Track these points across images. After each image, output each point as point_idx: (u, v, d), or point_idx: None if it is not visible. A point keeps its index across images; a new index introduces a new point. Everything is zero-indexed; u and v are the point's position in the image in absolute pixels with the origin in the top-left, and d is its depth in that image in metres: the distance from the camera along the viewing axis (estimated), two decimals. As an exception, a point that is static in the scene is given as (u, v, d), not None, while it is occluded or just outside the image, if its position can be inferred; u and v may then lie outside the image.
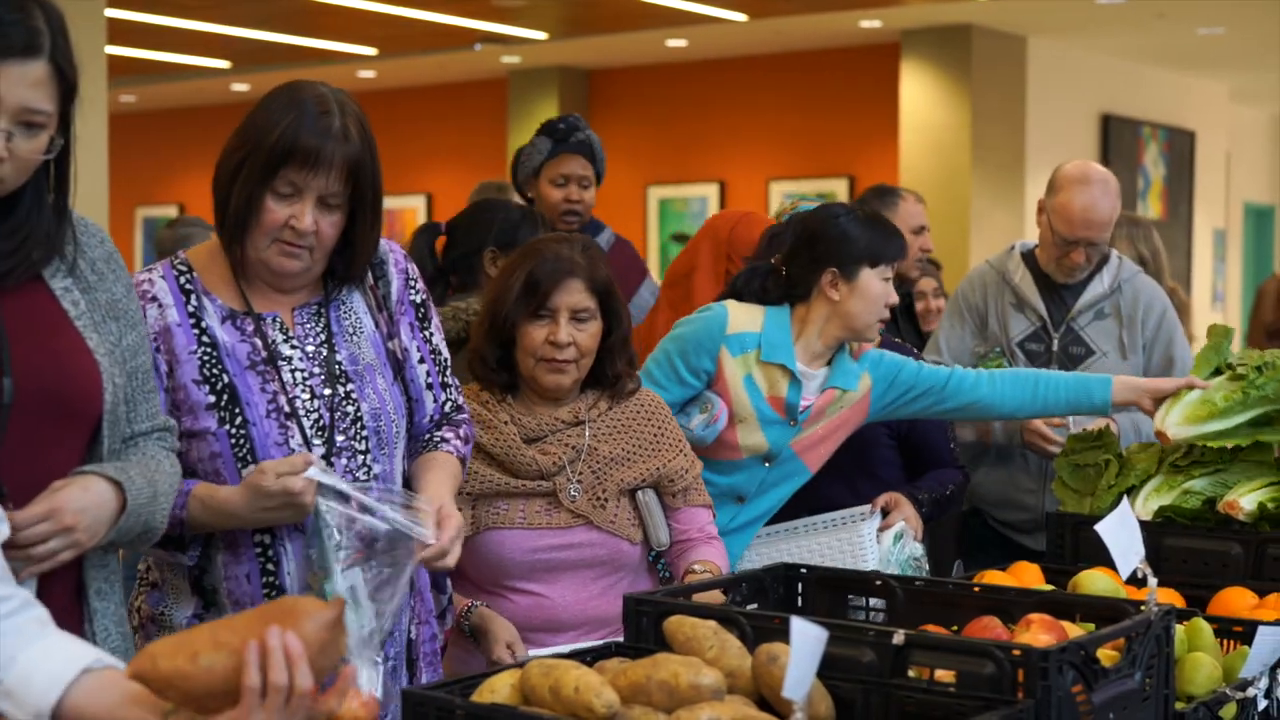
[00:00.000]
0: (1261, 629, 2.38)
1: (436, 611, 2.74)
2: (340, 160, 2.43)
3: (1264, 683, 2.52)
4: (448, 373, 2.70)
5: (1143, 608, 2.23)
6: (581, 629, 2.90)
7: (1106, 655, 2.16)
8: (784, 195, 13.68)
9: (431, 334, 2.68)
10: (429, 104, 16.03)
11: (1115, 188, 4.21)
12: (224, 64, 14.62)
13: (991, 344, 4.29)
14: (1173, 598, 2.93)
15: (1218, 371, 3.28)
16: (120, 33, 12.48)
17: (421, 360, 2.65)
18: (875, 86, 13.29)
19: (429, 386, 2.66)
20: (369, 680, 2.17)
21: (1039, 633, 2.23)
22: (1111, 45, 13.47)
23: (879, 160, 13.29)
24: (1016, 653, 1.99)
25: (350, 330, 2.57)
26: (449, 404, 2.70)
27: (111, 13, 11.47)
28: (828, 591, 2.58)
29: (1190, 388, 3.30)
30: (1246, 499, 3.05)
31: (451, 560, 2.41)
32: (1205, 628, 2.51)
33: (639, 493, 3.01)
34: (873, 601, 2.53)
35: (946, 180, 12.33)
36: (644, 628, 2.26)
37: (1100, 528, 2.23)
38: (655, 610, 2.25)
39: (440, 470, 2.59)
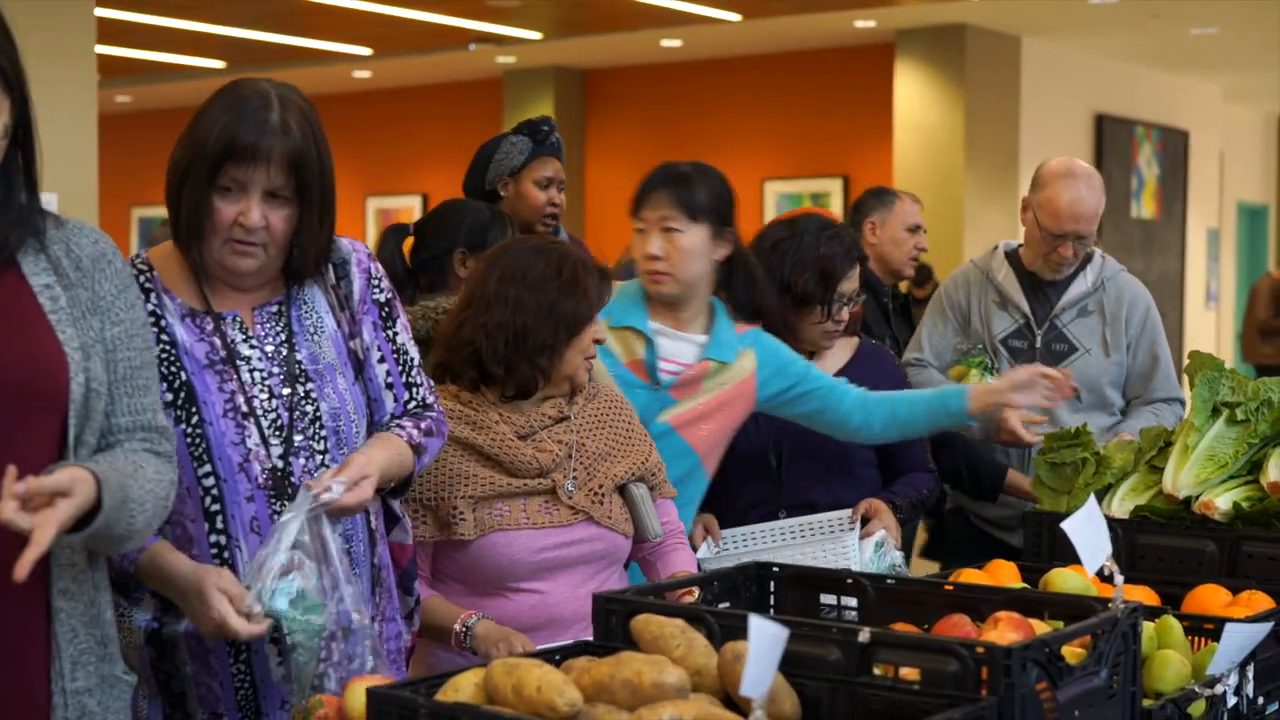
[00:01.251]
0: (1229, 626, 2.38)
1: (404, 612, 2.74)
2: (280, 153, 2.43)
3: (1233, 679, 2.52)
4: (414, 371, 2.69)
5: (1110, 605, 2.24)
6: (581, 625, 2.89)
7: (1072, 653, 2.16)
8: (778, 196, 13.72)
9: (396, 333, 2.67)
10: (424, 104, 16.05)
11: (1100, 183, 4.22)
12: (219, 64, 14.63)
13: (974, 341, 4.30)
14: (1147, 595, 2.93)
15: (1215, 412, 3.24)
16: (115, 33, 12.50)
17: (382, 360, 2.64)
18: (870, 86, 13.30)
19: (389, 386, 2.65)
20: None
21: (1006, 631, 2.23)
22: (1105, 45, 13.49)
23: (873, 160, 13.30)
24: (980, 650, 1.99)
25: (311, 330, 2.57)
26: (413, 402, 2.69)
27: (101, 12, 11.51)
28: (800, 590, 2.58)
29: (1044, 377, 3.46)
30: (1222, 498, 3.06)
31: (350, 499, 2.39)
32: (1175, 625, 2.51)
33: (631, 486, 3.02)
34: (845, 600, 2.53)
35: (940, 180, 12.35)
36: (613, 626, 2.26)
37: (1066, 525, 2.23)
38: (624, 609, 2.25)
39: (376, 443, 2.56)
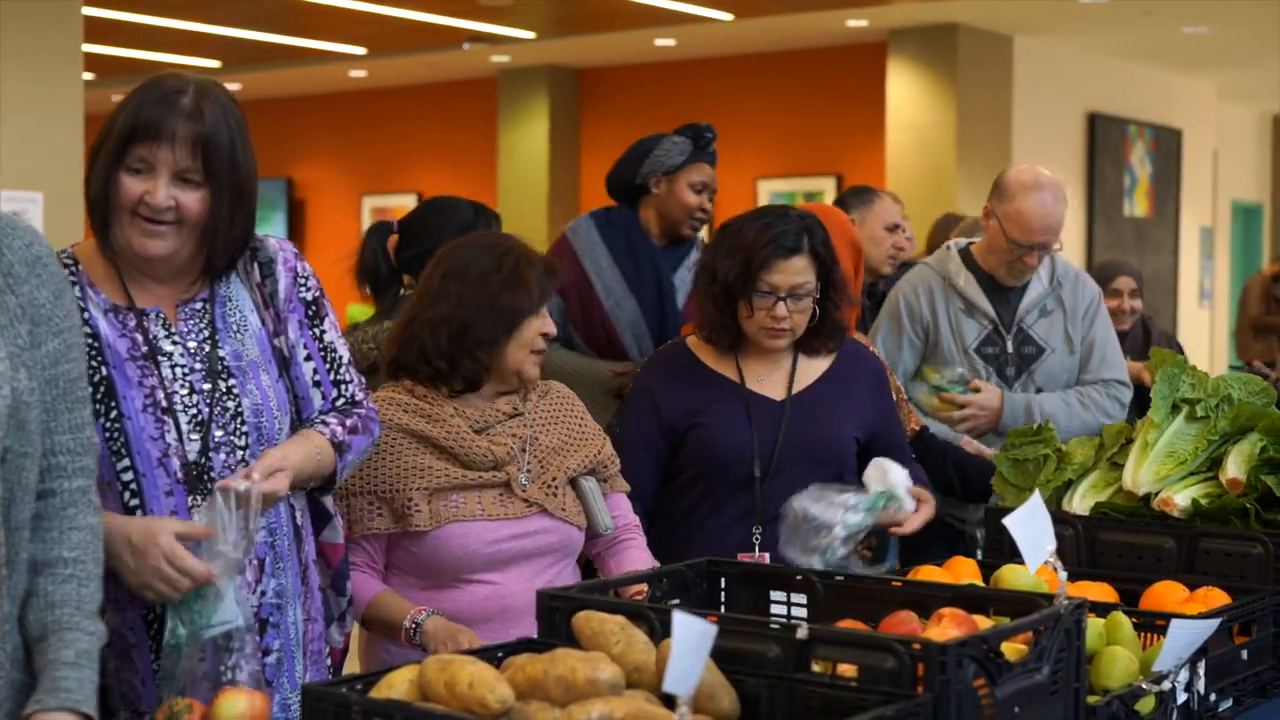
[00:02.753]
0: (1175, 622, 2.39)
1: (335, 614, 2.74)
2: (186, 134, 2.44)
3: (1184, 676, 2.52)
4: (342, 369, 2.70)
5: (1054, 602, 2.24)
6: (532, 617, 2.89)
7: (1014, 649, 2.17)
8: (771, 194, 13.72)
9: (324, 331, 2.68)
10: (420, 103, 16.05)
11: (1064, 192, 4.23)
12: (214, 64, 14.64)
13: (937, 358, 4.25)
14: (1106, 592, 2.94)
15: (1175, 408, 3.23)
16: (111, 32, 12.51)
17: (309, 358, 2.66)
18: (862, 85, 13.30)
19: (316, 384, 2.66)
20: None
21: (949, 627, 2.23)
22: (1098, 44, 13.48)
23: (866, 159, 13.29)
24: (916, 646, 1.99)
25: (235, 327, 2.58)
26: (341, 400, 2.69)
27: (96, 12, 11.52)
28: (750, 587, 2.58)
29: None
30: (1180, 495, 3.06)
31: (266, 487, 2.40)
32: (1124, 621, 2.51)
33: (582, 480, 3.03)
34: (795, 597, 2.54)
35: (933, 179, 12.35)
36: (557, 623, 2.27)
37: (1009, 521, 2.23)
38: (568, 605, 2.26)
39: (295, 439, 2.57)
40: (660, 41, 13.33)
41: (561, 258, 4.41)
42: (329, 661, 2.74)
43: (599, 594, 2.38)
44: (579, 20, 12.53)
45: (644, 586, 2.55)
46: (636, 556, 3.08)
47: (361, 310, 5.77)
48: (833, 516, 2.92)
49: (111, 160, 2.46)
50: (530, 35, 12.90)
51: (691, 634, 1.72)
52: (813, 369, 3.51)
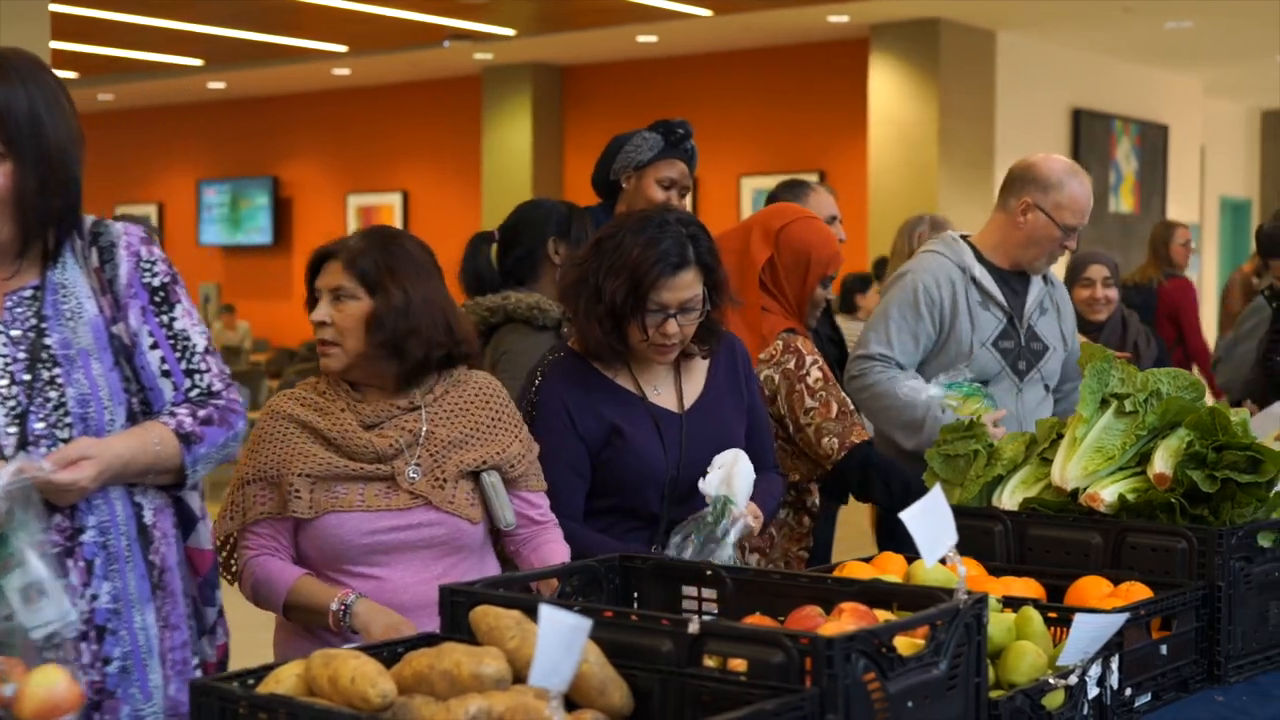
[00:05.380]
0: (1078, 617, 2.38)
1: (205, 626, 2.69)
2: None
3: (1095, 670, 2.52)
4: (196, 358, 2.62)
5: (953, 596, 2.23)
6: (425, 610, 2.88)
7: (910, 644, 2.16)
8: (755, 191, 13.71)
9: (174, 319, 2.60)
10: (404, 101, 16.05)
11: None
12: (197, 62, 14.65)
13: (948, 349, 4.19)
14: (1033, 588, 2.93)
15: (1104, 403, 3.21)
16: (98, 32, 12.52)
17: (155, 346, 2.58)
18: (844, 81, 13.31)
19: (165, 373, 2.58)
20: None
21: (848, 622, 2.22)
22: (1082, 39, 13.48)
23: (848, 155, 13.30)
24: (804, 641, 1.98)
25: (68, 315, 2.51)
26: (195, 390, 2.62)
27: (76, 10, 11.53)
28: (662, 582, 2.58)
29: None
30: (1107, 490, 3.05)
31: (61, 477, 2.35)
32: (1034, 616, 2.50)
33: (483, 474, 3.01)
34: (706, 592, 2.53)
35: (916, 174, 12.36)
36: (459, 618, 2.26)
37: (905, 516, 2.22)
38: (469, 600, 2.25)
39: (127, 431, 2.51)
40: (642, 38, 13.33)
41: None
42: (200, 674, 2.63)
43: (506, 589, 2.37)
44: (559, 17, 12.54)
45: (555, 581, 2.54)
46: (554, 551, 3.06)
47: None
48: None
49: None
50: (510, 32, 12.91)
51: (560, 628, 1.72)
52: (697, 372, 3.43)
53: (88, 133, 2.56)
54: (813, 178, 13.60)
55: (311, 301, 3.00)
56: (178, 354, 2.60)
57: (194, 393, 2.61)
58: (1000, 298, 4.22)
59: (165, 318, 2.60)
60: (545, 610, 1.72)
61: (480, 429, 3.03)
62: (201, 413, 2.59)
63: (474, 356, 3.09)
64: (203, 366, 2.63)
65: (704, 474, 3.16)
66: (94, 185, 2.81)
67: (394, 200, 16.18)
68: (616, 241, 3.21)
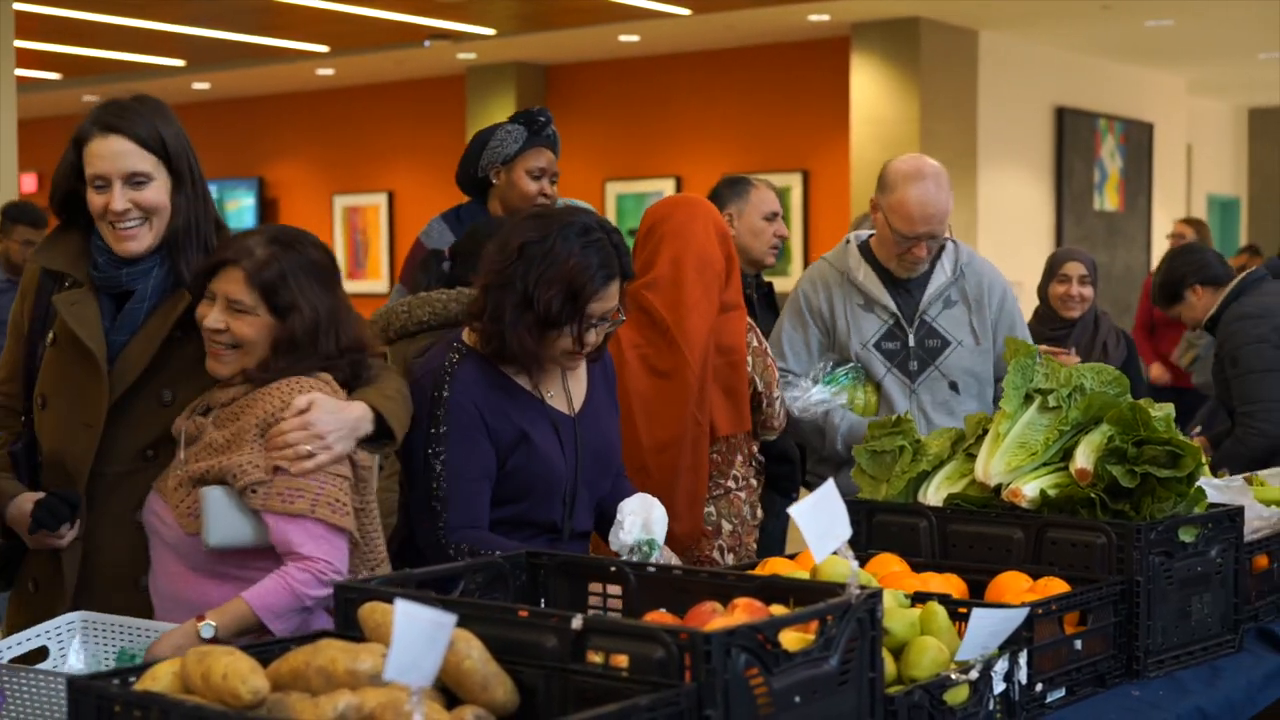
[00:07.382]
0: (975, 612, 2.37)
1: None
2: None
3: (1002, 665, 2.51)
4: None
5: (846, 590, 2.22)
6: (182, 608, 2.85)
7: (800, 639, 2.15)
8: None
9: None
10: (388, 101, 16.03)
11: (948, 180, 4.19)
12: (180, 63, 14.63)
13: (839, 353, 4.24)
14: (955, 584, 2.93)
15: (1028, 398, 3.20)
16: (80, 33, 12.51)
17: None
18: (826, 80, 13.29)
19: None
20: None
21: (740, 617, 2.22)
22: (1063, 38, 13.46)
23: (831, 154, 13.29)
24: (683, 637, 1.98)
25: None
26: None
27: (58, 11, 11.52)
28: (568, 578, 2.57)
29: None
30: (1029, 486, 3.04)
31: None
32: (939, 611, 2.50)
33: (207, 487, 2.84)
34: (610, 588, 2.53)
35: (897, 174, 12.34)
36: (351, 616, 2.26)
37: (794, 511, 2.21)
38: (361, 598, 2.25)
39: None
40: (624, 37, 13.31)
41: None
42: None
43: (402, 587, 2.37)
44: (539, 16, 12.52)
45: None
46: (272, 586, 2.80)
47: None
48: None
49: None
50: (491, 32, 12.89)
51: (419, 624, 1.71)
52: (579, 375, 3.38)
53: (71, 135, 2.54)
54: (795, 176, 13.63)
55: (198, 294, 2.95)
56: None
57: None
58: (884, 298, 4.22)
59: None
60: (401, 605, 1.71)
61: (233, 439, 2.89)
62: None
63: (362, 364, 3.01)
64: None
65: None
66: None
67: (380, 200, 16.16)
68: (546, 249, 3.13)
